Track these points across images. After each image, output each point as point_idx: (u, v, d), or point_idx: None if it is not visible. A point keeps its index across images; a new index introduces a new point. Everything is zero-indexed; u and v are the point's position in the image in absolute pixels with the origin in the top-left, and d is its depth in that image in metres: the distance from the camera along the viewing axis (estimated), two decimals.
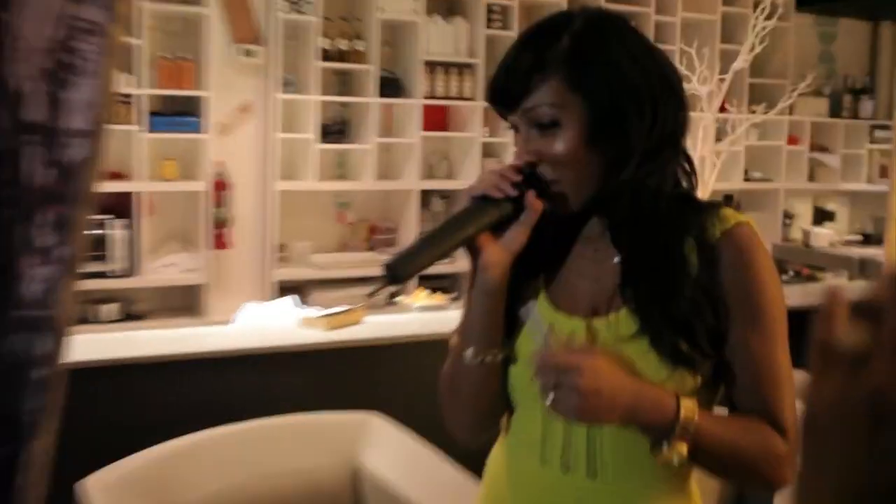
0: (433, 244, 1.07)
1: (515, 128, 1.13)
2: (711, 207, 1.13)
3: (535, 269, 1.19)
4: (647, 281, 1.10)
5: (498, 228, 1.11)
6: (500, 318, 1.15)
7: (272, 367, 2.96)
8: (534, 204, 1.10)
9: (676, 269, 1.09)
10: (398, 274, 1.03)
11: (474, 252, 1.12)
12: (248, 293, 4.40)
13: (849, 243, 6.13)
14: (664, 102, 1.10)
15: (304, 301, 4.31)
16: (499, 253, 1.11)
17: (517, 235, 1.11)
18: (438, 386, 1.20)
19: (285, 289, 4.40)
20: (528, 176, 1.11)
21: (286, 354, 2.97)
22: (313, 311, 3.28)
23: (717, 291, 1.09)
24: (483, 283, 1.13)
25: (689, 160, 1.16)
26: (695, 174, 1.16)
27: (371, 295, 1.10)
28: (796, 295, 4.48)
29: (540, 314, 1.10)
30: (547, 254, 1.18)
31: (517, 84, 1.09)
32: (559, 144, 1.09)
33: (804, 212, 6.37)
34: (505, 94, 1.11)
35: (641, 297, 1.09)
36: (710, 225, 1.11)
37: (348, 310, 3.26)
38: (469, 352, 1.15)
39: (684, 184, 1.15)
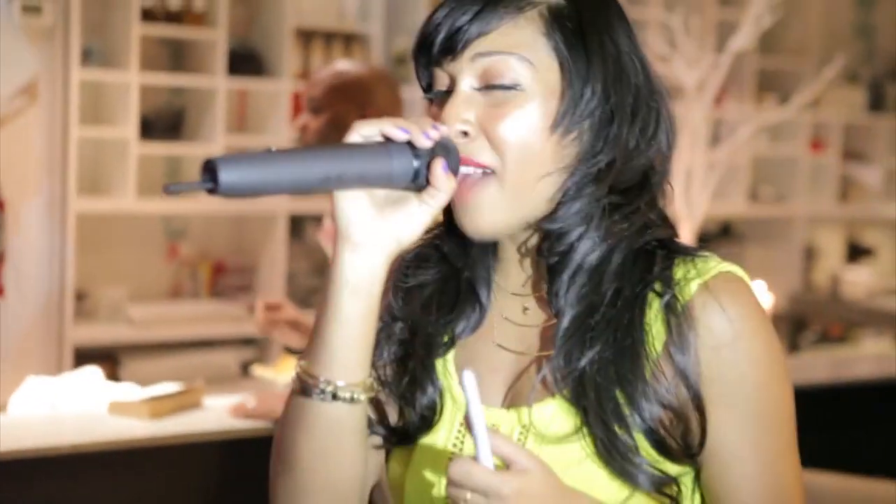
0: (292, 159, 1.04)
1: (437, 97, 1.12)
2: (687, 254, 1.15)
3: (436, 329, 1.20)
4: (591, 356, 1.11)
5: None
6: (369, 336, 1.11)
7: (67, 475, 2.94)
8: (440, 177, 1.08)
9: (634, 341, 1.11)
10: (223, 176, 0.98)
11: (345, 222, 1.08)
12: (30, 363, 4.35)
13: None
14: (654, 121, 1.15)
15: (115, 375, 4.27)
16: (385, 231, 1.09)
17: (414, 219, 1.09)
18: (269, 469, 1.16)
19: (85, 356, 4.36)
20: (444, 148, 1.09)
21: (88, 456, 2.96)
22: (128, 391, 3.28)
23: (691, 376, 1.11)
24: (352, 270, 1.08)
25: (664, 218, 1.19)
26: (674, 232, 1.19)
27: (171, 191, 1.00)
28: (822, 365, 4.65)
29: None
30: (457, 305, 1.20)
31: (475, 15, 1.09)
32: (509, 119, 1.10)
33: (833, 247, 6.54)
34: (451, 31, 1.10)
35: (583, 380, 1.11)
36: (681, 277, 1.13)
37: (182, 390, 3.27)
38: (319, 381, 1.10)
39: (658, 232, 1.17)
